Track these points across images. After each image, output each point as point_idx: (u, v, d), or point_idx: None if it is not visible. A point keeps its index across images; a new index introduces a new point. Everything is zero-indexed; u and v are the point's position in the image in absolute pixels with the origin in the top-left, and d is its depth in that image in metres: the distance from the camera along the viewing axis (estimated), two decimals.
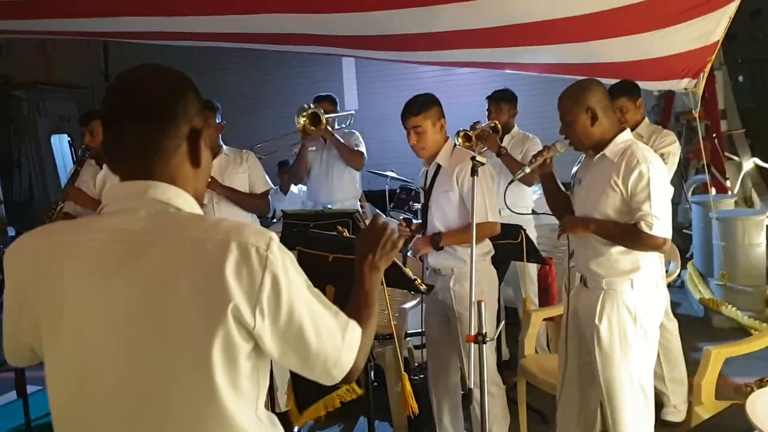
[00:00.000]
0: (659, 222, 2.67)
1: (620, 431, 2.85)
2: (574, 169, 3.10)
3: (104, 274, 1.20)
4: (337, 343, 1.30)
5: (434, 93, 3.39)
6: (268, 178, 4.14)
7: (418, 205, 6.89)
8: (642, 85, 4.05)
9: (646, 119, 3.94)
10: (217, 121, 3.93)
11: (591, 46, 4.17)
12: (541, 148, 4.52)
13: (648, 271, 2.81)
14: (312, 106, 4.62)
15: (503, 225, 3.47)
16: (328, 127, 4.72)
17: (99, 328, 1.20)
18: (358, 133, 4.95)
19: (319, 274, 1.70)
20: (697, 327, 5.47)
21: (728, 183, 7.07)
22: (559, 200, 3.14)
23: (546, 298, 4.59)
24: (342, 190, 4.84)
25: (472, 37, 4.10)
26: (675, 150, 3.77)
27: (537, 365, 3.69)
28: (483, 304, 2.57)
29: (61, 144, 9.64)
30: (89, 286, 1.21)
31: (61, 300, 1.21)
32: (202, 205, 1.34)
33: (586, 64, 4.40)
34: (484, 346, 2.59)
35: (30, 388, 3.69)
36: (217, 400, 1.20)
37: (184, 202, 1.28)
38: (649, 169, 2.68)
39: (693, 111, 4.93)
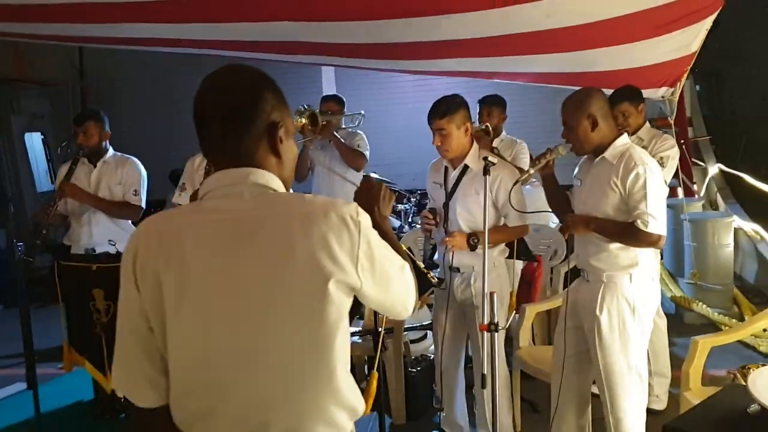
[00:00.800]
0: (654, 220, 2.87)
1: (618, 416, 3.03)
2: (576, 171, 3.29)
3: (224, 248, 1.36)
4: (406, 281, 1.56)
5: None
6: None
7: (400, 207, 7.06)
8: None
9: (648, 123, 4.11)
10: None
11: (580, 56, 4.39)
12: (527, 152, 4.75)
13: (645, 266, 3.01)
14: (308, 107, 4.69)
15: None
16: (334, 130, 4.81)
17: (224, 297, 1.35)
18: (362, 134, 5.00)
19: None
20: (669, 323, 5.67)
21: (695, 187, 7.40)
22: (559, 199, 3.33)
23: (530, 293, 4.80)
24: (344, 190, 4.89)
25: (470, 46, 4.28)
26: (674, 154, 3.96)
27: (530, 356, 3.90)
28: (495, 295, 2.77)
29: (33, 141, 9.56)
30: (212, 260, 1.36)
31: (186, 274, 1.35)
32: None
33: (573, 73, 4.62)
34: (496, 335, 2.78)
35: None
36: (329, 357, 1.39)
37: (278, 185, 1.47)
38: (646, 171, 2.88)
39: (669, 118, 5.19)
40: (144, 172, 4.31)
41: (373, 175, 7.16)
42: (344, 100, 5.12)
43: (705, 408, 2.43)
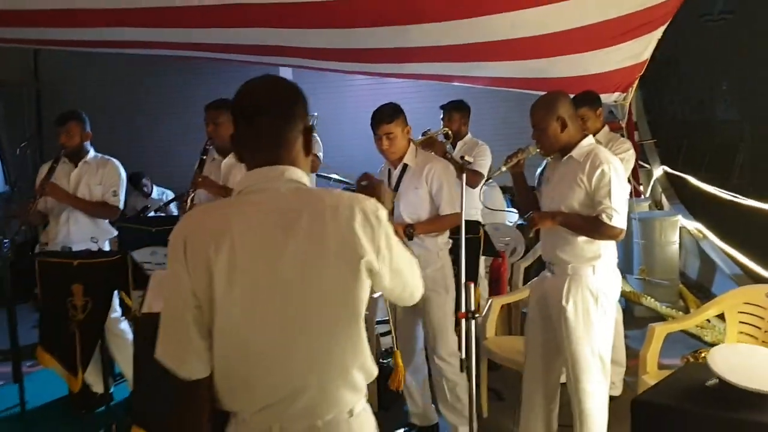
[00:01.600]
0: (617, 214, 3.09)
1: (581, 398, 3.24)
2: (538, 171, 3.52)
3: (269, 237, 1.53)
4: (415, 272, 1.75)
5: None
6: None
7: None
8: None
9: (606, 127, 4.34)
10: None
11: (540, 63, 4.64)
12: (487, 154, 4.97)
13: (607, 258, 3.23)
14: None
15: (467, 221, 3.85)
16: None
17: (270, 280, 1.52)
18: (315, 135, 5.10)
19: None
20: None
21: (641, 188, 7.76)
22: (527, 196, 3.54)
23: (497, 287, 5.03)
24: None
25: (438, 52, 4.49)
26: (629, 156, 4.21)
27: (497, 345, 4.11)
28: (472, 285, 2.96)
29: None
30: (258, 247, 1.52)
31: (236, 260, 1.50)
32: None
33: (532, 78, 4.87)
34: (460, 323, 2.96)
35: None
36: (357, 329, 1.60)
37: (307, 180, 1.65)
38: (610, 169, 3.10)
39: (620, 121, 5.50)
40: (124, 173, 4.41)
41: (334, 176, 7.34)
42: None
43: (667, 384, 2.67)
